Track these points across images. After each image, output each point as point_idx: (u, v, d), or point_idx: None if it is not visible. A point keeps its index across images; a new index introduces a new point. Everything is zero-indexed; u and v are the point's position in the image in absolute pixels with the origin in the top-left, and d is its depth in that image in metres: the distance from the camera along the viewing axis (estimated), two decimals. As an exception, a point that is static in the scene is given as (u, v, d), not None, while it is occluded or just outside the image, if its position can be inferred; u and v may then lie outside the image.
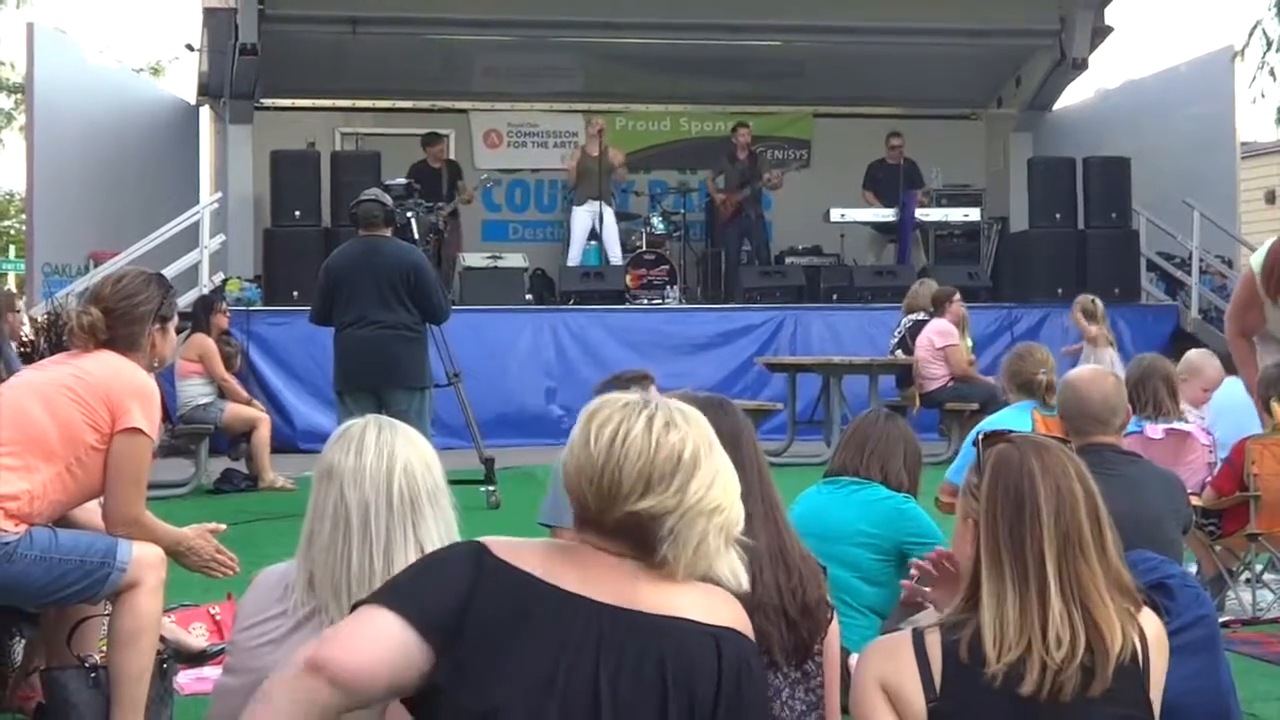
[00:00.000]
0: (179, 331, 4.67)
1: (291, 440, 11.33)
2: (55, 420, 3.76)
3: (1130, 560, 2.52)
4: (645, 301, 13.74)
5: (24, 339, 10.43)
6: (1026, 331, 12.57)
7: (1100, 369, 4.74)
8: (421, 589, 2.12)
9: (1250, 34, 14.89)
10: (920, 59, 16.10)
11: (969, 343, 11.33)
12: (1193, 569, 5.68)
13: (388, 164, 13.17)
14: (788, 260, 15.02)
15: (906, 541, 4.40)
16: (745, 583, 2.20)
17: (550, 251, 15.81)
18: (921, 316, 11.34)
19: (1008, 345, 11.36)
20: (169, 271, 10.65)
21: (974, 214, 14.72)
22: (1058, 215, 13.86)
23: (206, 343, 9.92)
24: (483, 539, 2.20)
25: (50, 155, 13.56)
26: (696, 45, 15.84)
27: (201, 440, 9.76)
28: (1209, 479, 5.83)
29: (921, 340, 11.01)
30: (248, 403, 10.05)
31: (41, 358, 6.72)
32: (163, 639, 3.93)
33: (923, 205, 14.57)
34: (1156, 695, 2.38)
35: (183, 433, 9.75)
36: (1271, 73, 14.91)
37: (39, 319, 10.97)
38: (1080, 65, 15.73)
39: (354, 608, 2.15)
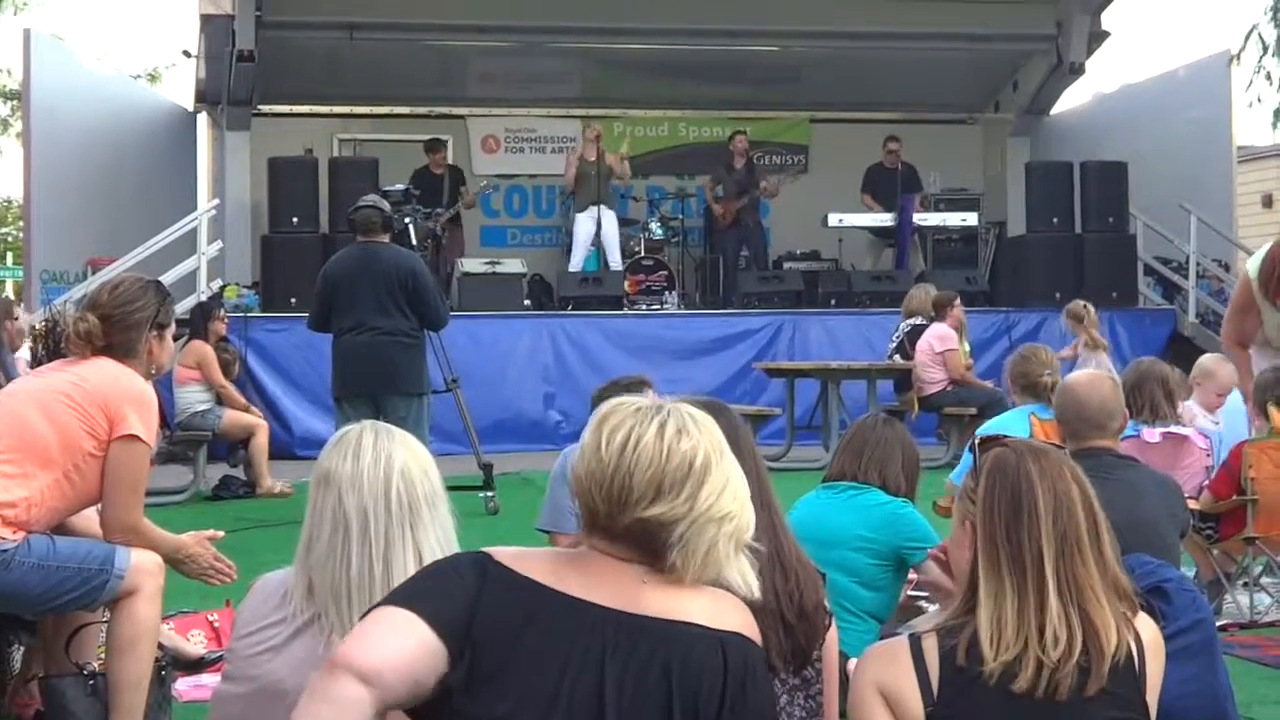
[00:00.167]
0: (177, 338, 4.68)
1: (289, 447, 11.33)
2: (53, 427, 3.76)
3: (1128, 564, 2.53)
4: (644, 307, 13.74)
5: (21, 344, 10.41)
6: (1024, 336, 12.56)
7: (1098, 373, 4.74)
8: (433, 595, 2.11)
9: (1246, 38, 14.97)
10: (917, 64, 16.12)
11: (967, 347, 11.33)
12: (1190, 573, 5.69)
13: (385, 170, 13.18)
14: (786, 265, 15.05)
15: (904, 546, 4.40)
16: (756, 589, 2.19)
17: (548, 257, 15.82)
18: (920, 321, 11.35)
19: (1005, 350, 11.40)
20: (167, 278, 10.64)
21: (971, 218, 14.73)
22: (1055, 219, 13.87)
23: (204, 349, 9.92)
24: (487, 548, 2.19)
25: (48, 162, 13.56)
26: (694, 50, 15.85)
27: (200, 447, 9.75)
28: (1206, 483, 5.84)
29: (921, 344, 11.02)
30: (246, 409, 10.06)
31: (40, 364, 6.71)
32: (161, 646, 3.93)
33: (921, 210, 14.59)
34: (1153, 699, 2.38)
35: (181, 439, 9.75)
36: (1268, 76, 14.98)
37: (37, 326, 10.95)
38: (1077, 70, 15.73)
39: (365, 615, 2.14)
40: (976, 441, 2.54)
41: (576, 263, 14.22)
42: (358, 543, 2.70)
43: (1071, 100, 17.14)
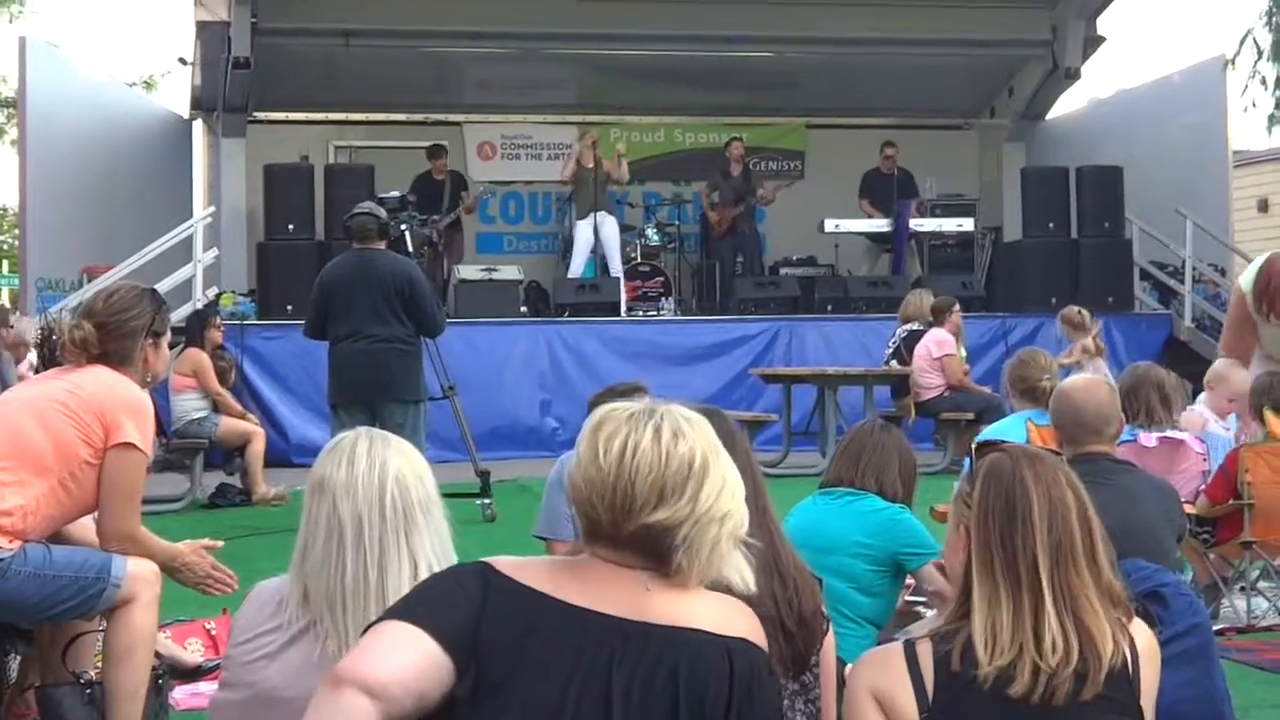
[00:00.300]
0: (172, 346, 4.67)
1: (286, 454, 11.32)
2: (49, 435, 3.75)
3: (1124, 569, 2.53)
4: (640, 313, 13.75)
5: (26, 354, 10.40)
6: (1020, 341, 12.55)
7: (1094, 378, 4.75)
8: (437, 607, 2.10)
9: (1241, 43, 15.01)
10: (913, 69, 16.14)
11: (963, 353, 11.33)
12: (1187, 577, 5.69)
13: (381, 177, 13.16)
14: (782, 271, 15.04)
15: (901, 552, 4.40)
16: (752, 584, 2.19)
17: (545, 264, 15.83)
18: (916, 326, 11.35)
19: (1002, 355, 11.42)
20: (162, 286, 10.66)
21: (968, 224, 14.75)
22: (1051, 225, 13.86)
23: (200, 357, 9.91)
24: (487, 558, 2.18)
25: (43, 169, 13.55)
26: (690, 57, 15.87)
27: (196, 455, 9.75)
28: (1203, 487, 5.84)
29: (919, 349, 11.02)
30: (242, 417, 10.05)
31: (36, 372, 6.71)
32: (158, 654, 3.92)
33: (917, 215, 14.60)
34: (1149, 705, 2.38)
35: (177, 447, 9.74)
36: (1263, 81, 15.03)
37: (33, 333, 10.95)
38: (1073, 75, 15.76)
39: (368, 629, 2.12)
40: (973, 446, 2.55)
41: (576, 269, 14.22)
42: (352, 549, 2.70)
43: (1067, 105, 17.19)
